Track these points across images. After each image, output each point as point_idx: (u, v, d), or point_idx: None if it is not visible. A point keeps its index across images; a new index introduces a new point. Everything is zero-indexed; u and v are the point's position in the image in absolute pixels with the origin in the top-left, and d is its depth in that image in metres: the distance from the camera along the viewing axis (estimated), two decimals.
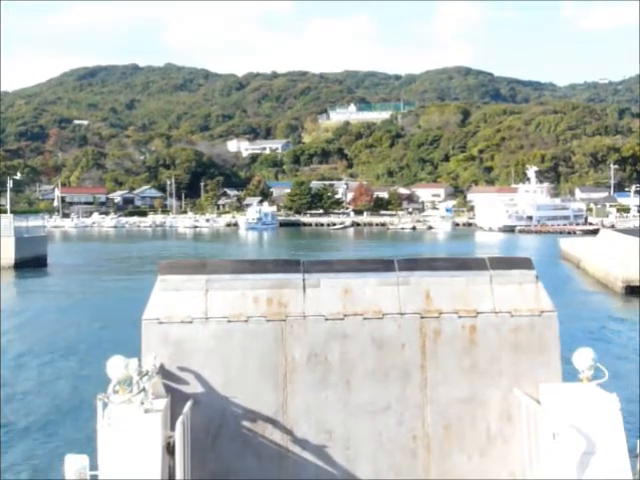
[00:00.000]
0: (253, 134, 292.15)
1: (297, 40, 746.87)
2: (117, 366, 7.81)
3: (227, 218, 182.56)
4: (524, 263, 9.71)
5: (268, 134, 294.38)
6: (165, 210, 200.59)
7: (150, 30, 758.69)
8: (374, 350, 9.08)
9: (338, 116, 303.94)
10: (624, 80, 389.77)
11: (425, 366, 9.10)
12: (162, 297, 9.09)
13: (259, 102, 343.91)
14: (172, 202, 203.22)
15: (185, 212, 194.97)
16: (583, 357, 8.41)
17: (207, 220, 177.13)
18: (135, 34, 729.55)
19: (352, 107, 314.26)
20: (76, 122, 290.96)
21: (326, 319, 9.08)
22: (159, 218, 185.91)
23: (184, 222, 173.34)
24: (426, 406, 9.08)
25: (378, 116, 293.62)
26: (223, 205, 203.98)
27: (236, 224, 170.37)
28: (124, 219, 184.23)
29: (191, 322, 8.95)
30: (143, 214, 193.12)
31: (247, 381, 8.94)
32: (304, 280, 9.32)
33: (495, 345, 9.15)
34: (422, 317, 9.16)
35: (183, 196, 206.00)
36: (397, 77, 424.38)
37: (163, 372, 8.67)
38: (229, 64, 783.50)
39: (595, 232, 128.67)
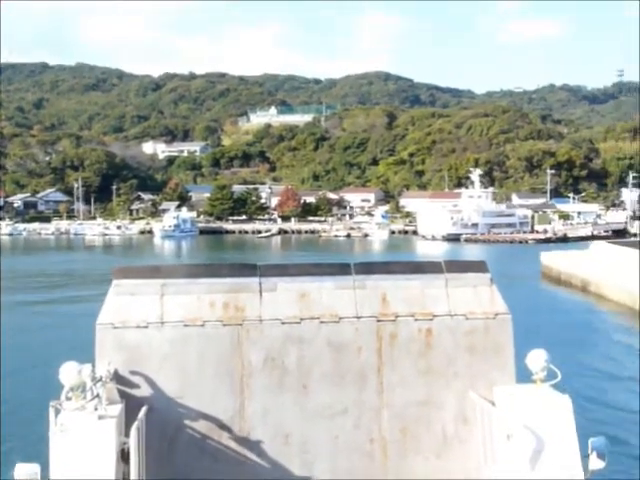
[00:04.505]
0: (170, 136, 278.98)
1: (215, 44, 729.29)
2: (70, 372, 7.56)
3: (141, 225, 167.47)
4: (479, 266, 9.56)
5: (186, 136, 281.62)
6: (72, 215, 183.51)
7: (60, 28, 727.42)
8: (331, 354, 8.89)
9: (259, 119, 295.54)
10: (538, 89, 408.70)
11: (381, 369, 8.95)
12: (116, 301, 8.78)
13: (176, 103, 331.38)
14: (79, 207, 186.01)
15: (94, 218, 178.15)
16: (536, 359, 8.24)
17: (118, 227, 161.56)
18: (44, 32, 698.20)
19: (273, 110, 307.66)
20: None
21: (283, 323, 8.87)
22: (64, 224, 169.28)
23: (92, 229, 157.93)
24: (383, 409, 8.94)
25: (300, 119, 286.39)
26: (137, 210, 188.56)
27: (151, 231, 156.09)
28: (22, 226, 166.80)
29: (146, 327, 8.69)
30: (46, 220, 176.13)
31: (203, 386, 8.70)
32: (260, 284, 9.09)
33: (450, 348, 9.03)
34: (378, 320, 9.00)
35: (92, 200, 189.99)
36: (317, 81, 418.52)
37: (117, 378, 8.42)
38: (144, 65, 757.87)
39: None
